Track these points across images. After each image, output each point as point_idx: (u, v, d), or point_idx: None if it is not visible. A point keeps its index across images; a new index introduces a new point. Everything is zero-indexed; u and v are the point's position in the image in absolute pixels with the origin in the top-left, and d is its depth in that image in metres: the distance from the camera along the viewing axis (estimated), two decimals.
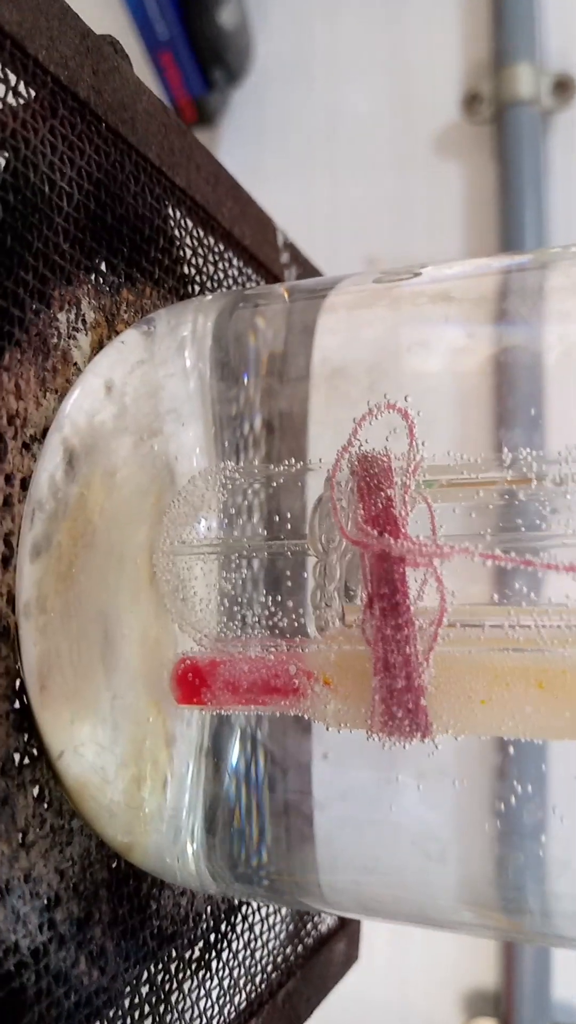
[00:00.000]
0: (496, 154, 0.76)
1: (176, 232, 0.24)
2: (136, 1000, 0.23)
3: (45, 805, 0.20)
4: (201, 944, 0.26)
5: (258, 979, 0.29)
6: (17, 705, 0.20)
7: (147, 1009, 0.23)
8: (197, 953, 0.26)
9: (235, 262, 0.27)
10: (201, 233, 0.25)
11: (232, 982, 0.28)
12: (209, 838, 0.22)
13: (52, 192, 0.19)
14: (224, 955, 0.27)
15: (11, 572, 0.19)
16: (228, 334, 0.22)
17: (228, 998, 0.27)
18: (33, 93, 0.19)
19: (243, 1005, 0.28)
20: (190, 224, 0.25)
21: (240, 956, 0.28)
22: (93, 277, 0.21)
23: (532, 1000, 0.71)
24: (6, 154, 0.18)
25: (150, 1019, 0.23)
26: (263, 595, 0.22)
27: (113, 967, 0.22)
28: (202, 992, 0.26)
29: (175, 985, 0.25)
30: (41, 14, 0.18)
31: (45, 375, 0.19)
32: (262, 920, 0.30)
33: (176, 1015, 0.25)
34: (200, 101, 0.78)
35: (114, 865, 0.22)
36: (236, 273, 0.27)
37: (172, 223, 0.24)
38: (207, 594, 0.22)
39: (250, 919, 0.29)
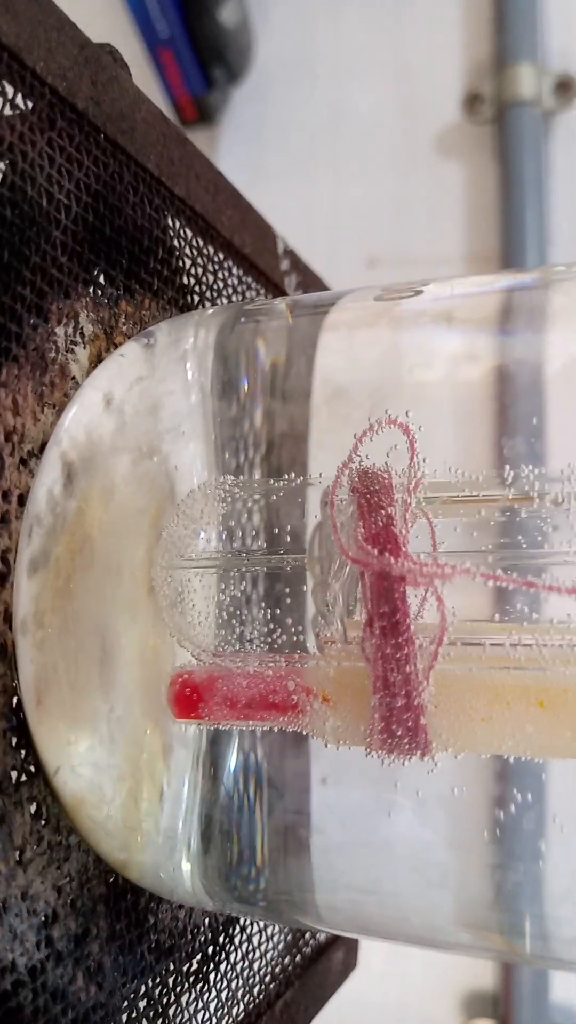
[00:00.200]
0: (497, 154, 0.76)
1: (175, 242, 0.24)
2: (134, 1015, 0.23)
3: (42, 822, 0.20)
4: (199, 957, 0.26)
5: (256, 990, 0.29)
6: (14, 722, 0.20)
7: (145, 1023, 0.23)
8: (195, 966, 0.26)
9: (235, 271, 0.27)
10: (201, 243, 0.25)
11: (230, 994, 0.28)
12: (205, 856, 0.22)
13: (50, 205, 0.19)
14: (222, 967, 0.27)
15: (8, 589, 0.19)
16: (229, 349, 0.21)
17: (226, 1010, 0.27)
18: (31, 105, 0.18)
19: (241, 1016, 0.28)
20: (189, 234, 0.24)
21: (238, 967, 0.28)
22: (91, 290, 0.20)
23: (530, 1002, 0.71)
24: (3, 167, 0.18)
25: None
26: (262, 610, 0.22)
27: (111, 982, 0.22)
28: (200, 1004, 0.26)
29: (173, 999, 0.25)
30: (39, 25, 0.18)
31: (43, 390, 0.19)
32: (260, 931, 0.30)
33: None
34: (201, 100, 0.77)
35: (111, 880, 0.22)
36: (236, 282, 0.27)
37: (171, 233, 0.23)
38: (206, 608, 0.22)
39: (248, 930, 0.29)
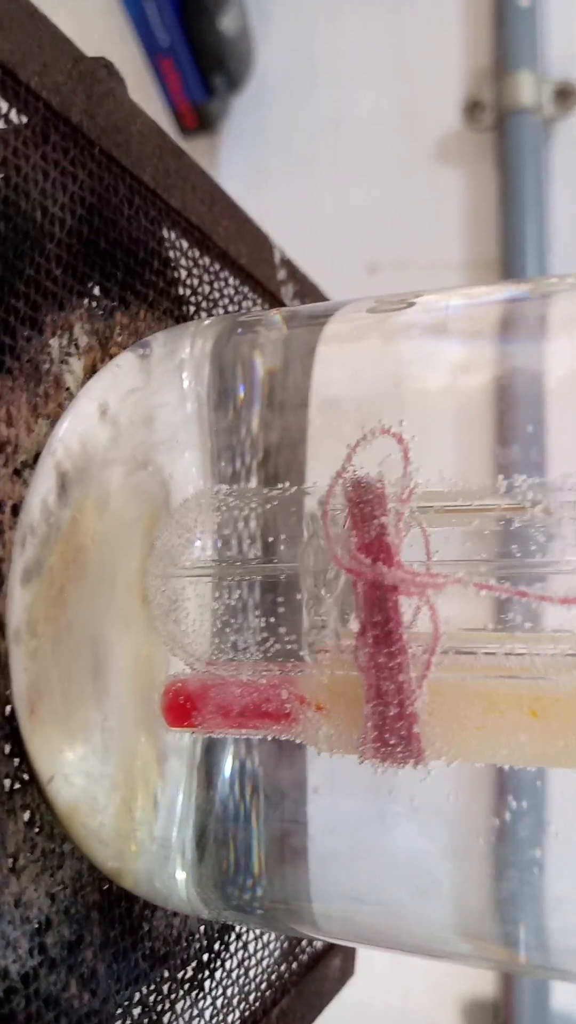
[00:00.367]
0: (497, 162, 0.76)
1: (171, 254, 0.24)
2: (128, 1022, 0.23)
3: (36, 830, 0.20)
4: (194, 964, 0.26)
5: (252, 997, 0.29)
6: (7, 731, 0.20)
7: None
8: (190, 973, 0.26)
9: (231, 281, 0.27)
10: (197, 254, 0.25)
11: (225, 1001, 0.28)
12: (199, 865, 0.22)
13: (44, 219, 0.19)
14: (217, 974, 0.27)
15: (1, 598, 0.19)
16: (226, 359, 0.22)
17: (221, 1017, 0.27)
18: (25, 120, 0.19)
19: (236, 1023, 0.28)
20: (185, 245, 0.25)
21: (233, 975, 0.28)
22: (86, 301, 0.21)
23: (531, 1010, 0.71)
24: None
25: None
26: (256, 619, 0.22)
27: (104, 989, 0.22)
28: (195, 1012, 0.26)
29: (168, 1006, 0.25)
30: (33, 40, 0.18)
31: (37, 401, 0.19)
32: (256, 938, 0.30)
33: None
34: (201, 107, 0.78)
35: (105, 887, 0.22)
36: (232, 292, 0.27)
37: (167, 245, 0.24)
38: (199, 617, 0.22)
39: (244, 937, 0.29)
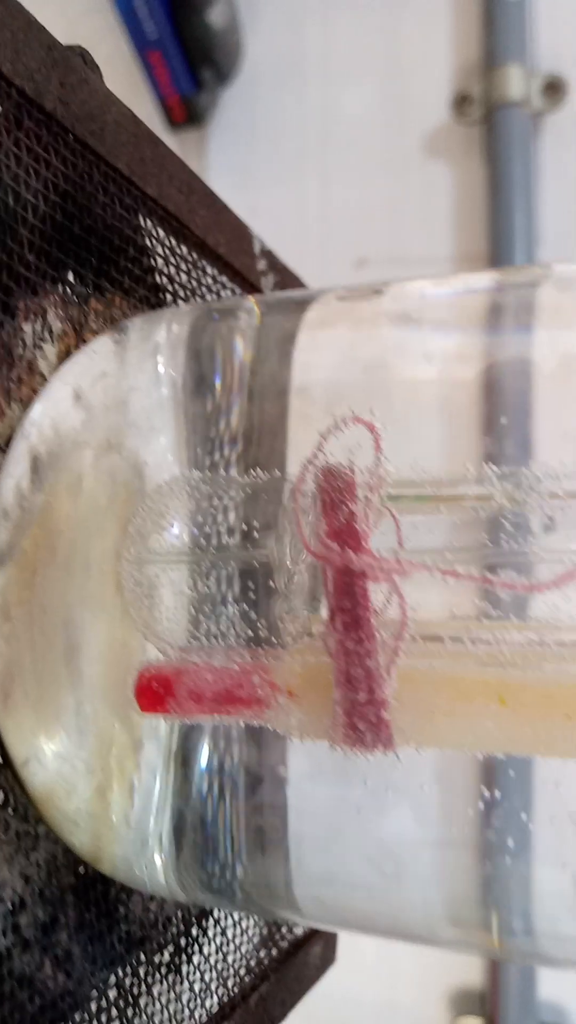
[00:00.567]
0: (486, 155, 0.77)
1: (147, 242, 0.24)
2: (103, 1004, 0.23)
3: (10, 811, 0.21)
4: (171, 948, 0.26)
5: (230, 982, 0.29)
6: None
7: (114, 1013, 0.24)
8: (167, 957, 0.26)
9: (209, 271, 0.27)
10: (174, 242, 0.25)
11: (203, 985, 0.28)
12: (177, 850, 0.22)
13: (17, 204, 0.19)
14: (195, 959, 0.28)
15: None
16: (201, 345, 0.22)
17: (199, 1002, 0.27)
18: None
19: (215, 1009, 0.28)
20: (162, 233, 0.25)
21: (212, 960, 0.28)
22: (60, 287, 0.21)
23: (518, 999, 0.72)
24: None
25: (118, 1022, 0.24)
26: (229, 605, 0.22)
27: (79, 971, 0.22)
28: (172, 996, 0.26)
29: (144, 989, 0.25)
30: (4, 27, 0.19)
31: (10, 385, 0.19)
32: (234, 924, 0.30)
33: (145, 1018, 0.25)
34: (189, 100, 0.78)
35: (81, 870, 0.23)
36: (211, 282, 0.27)
37: (143, 232, 0.24)
38: (173, 603, 0.22)
39: (222, 923, 0.29)
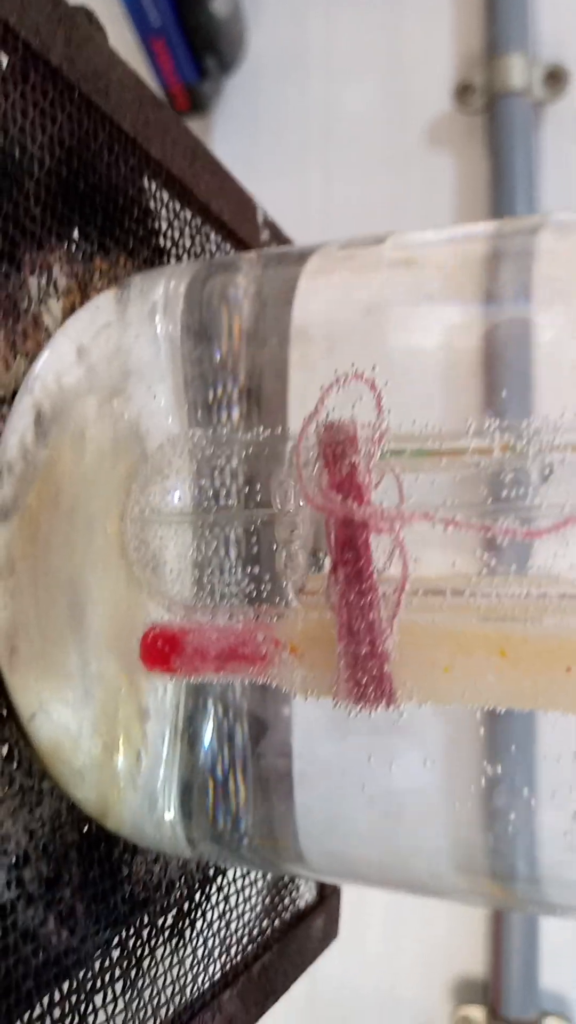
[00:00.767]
0: (488, 145, 0.77)
1: (152, 204, 0.24)
2: (107, 963, 0.23)
3: (14, 765, 0.21)
4: (174, 912, 0.27)
5: (233, 951, 0.29)
6: None
7: (118, 972, 0.24)
8: (170, 921, 0.26)
9: (213, 237, 0.27)
10: (177, 206, 0.25)
11: (206, 951, 0.28)
12: (186, 806, 0.22)
13: (23, 156, 0.19)
14: (198, 924, 0.28)
15: None
16: (201, 299, 0.22)
17: (202, 967, 0.28)
18: (5, 59, 0.19)
19: (217, 976, 0.28)
20: (166, 196, 0.25)
21: (215, 927, 0.28)
22: (65, 244, 0.21)
23: (520, 988, 0.72)
24: None
25: (121, 982, 0.24)
26: (232, 563, 0.22)
27: (83, 929, 0.23)
28: (176, 959, 0.26)
29: (147, 951, 0.25)
30: None
31: (15, 338, 0.19)
32: (237, 892, 0.30)
33: (148, 980, 0.25)
34: (192, 88, 0.78)
35: (85, 829, 0.23)
36: (214, 248, 0.27)
37: (147, 195, 0.24)
38: (177, 562, 0.22)
39: (225, 890, 0.29)
